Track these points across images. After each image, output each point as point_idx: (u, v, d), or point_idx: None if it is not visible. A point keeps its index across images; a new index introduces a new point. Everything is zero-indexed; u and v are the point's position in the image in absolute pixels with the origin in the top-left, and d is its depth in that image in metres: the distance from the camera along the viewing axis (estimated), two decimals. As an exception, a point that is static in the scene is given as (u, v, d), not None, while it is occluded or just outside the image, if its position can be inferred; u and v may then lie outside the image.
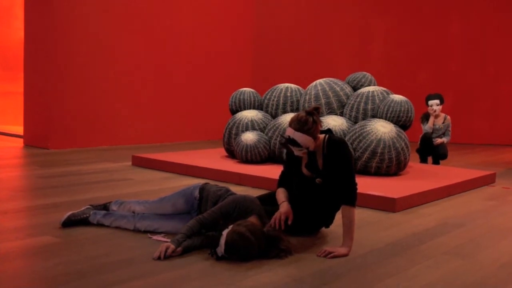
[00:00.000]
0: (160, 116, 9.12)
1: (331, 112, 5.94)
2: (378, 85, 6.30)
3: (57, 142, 7.79)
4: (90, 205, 3.62)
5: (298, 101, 6.34)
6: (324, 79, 6.22)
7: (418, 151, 6.78)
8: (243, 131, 6.15)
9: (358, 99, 5.81)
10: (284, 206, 3.13)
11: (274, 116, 6.41)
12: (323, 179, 3.16)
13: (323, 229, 3.47)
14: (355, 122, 5.75)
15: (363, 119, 5.72)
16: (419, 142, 6.76)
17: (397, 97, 5.66)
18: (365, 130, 5.36)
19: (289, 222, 3.08)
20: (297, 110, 6.30)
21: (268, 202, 3.29)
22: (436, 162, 6.74)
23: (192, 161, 5.95)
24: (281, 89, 6.46)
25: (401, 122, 5.60)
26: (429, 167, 6.29)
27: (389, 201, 4.22)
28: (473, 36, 10.33)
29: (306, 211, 3.26)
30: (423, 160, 6.79)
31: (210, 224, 3.01)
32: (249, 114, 6.32)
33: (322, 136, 3.16)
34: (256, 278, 2.58)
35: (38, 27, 7.96)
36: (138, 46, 8.70)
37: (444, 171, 5.91)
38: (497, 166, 7.03)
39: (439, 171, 5.91)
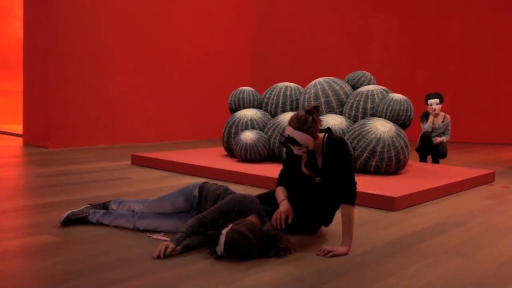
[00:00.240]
0: (159, 115, 9.12)
1: (331, 111, 5.93)
2: (378, 84, 6.30)
3: (56, 141, 7.78)
4: (89, 204, 3.62)
5: (297, 100, 6.34)
6: (323, 78, 6.21)
7: (417, 150, 6.78)
8: (242, 130, 6.15)
9: (357, 98, 5.81)
10: (284, 205, 3.13)
11: (274, 115, 6.41)
12: (322, 178, 3.16)
13: (323, 228, 3.47)
14: (355, 121, 5.75)
15: (363, 118, 5.72)
16: (418, 141, 6.76)
17: (397, 96, 5.66)
18: (364, 129, 5.36)
19: (290, 221, 3.09)
20: (296, 109, 6.30)
21: (268, 201, 3.29)
22: (435, 161, 6.75)
23: (191, 160, 5.95)
24: (281, 88, 6.46)
25: (401, 121, 5.60)
26: (429, 166, 6.29)
27: (388, 200, 4.22)
28: (473, 35, 10.33)
29: (306, 210, 3.26)
30: (423, 159, 6.79)
31: (209, 223, 3.01)
32: (249, 113, 6.32)
33: (321, 135, 3.16)
34: (256, 277, 2.58)
35: (37, 26, 7.95)
36: (137, 45, 8.69)
37: (443, 170, 5.91)
38: (496, 165, 7.04)
39: (439, 170, 5.91)
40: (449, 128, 6.77)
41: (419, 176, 5.39)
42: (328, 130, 3.22)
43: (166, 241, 2.89)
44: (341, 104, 5.96)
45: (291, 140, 3.06)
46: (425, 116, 6.79)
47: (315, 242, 3.22)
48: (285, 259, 2.86)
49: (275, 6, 11.35)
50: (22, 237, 3.16)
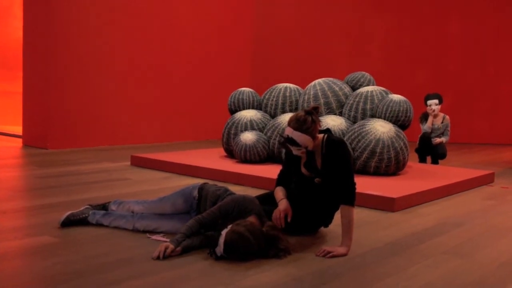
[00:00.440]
0: (159, 116, 9.12)
1: (330, 112, 5.94)
2: (377, 85, 6.30)
3: (56, 142, 7.78)
4: (89, 205, 3.61)
5: (297, 101, 6.34)
6: (323, 79, 6.22)
7: (417, 150, 6.78)
8: (242, 131, 6.15)
9: (357, 99, 5.81)
10: (283, 204, 3.13)
11: (273, 116, 6.41)
12: (322, 179, 3.16)
13: (322, 228, 3.47)
14: (354, 122, 5.75)
15: (362, 119, 5.72)
16: (418, 141, 6.76)
17: (396, 97, 5.67)
18: (364, 129, 5.37)
19: (289, 219, 3.09)
20: (296, 110, 6.30)
21: (267, 202, 3.29)
22: (435, 161, 6.75)
23: (191, 161, 5.95)
24: (280, 89, 6.46)
25: (400, 121, 5.60)
26: (428, 166, 6.30)
27: (388, 200, 4.22)
28: (472, 35, 10.34)
29: (305, 211, 3.26)
30: (422, 159, 6.80)
31: (209, 224, 3.01)
32: (248, 114, 6.32)
33: (321, 136, 3.16)
34: (255, 277, 2.58)
35: (37, 27, 7.95)
36: (137, 45, 8.69)
37: (443, 170, 5.92)
38: (496, 166, 7.04)
39: (438, 170, 5.91)
40: (449, 128, 6.77)
41: (418, 176, 5.39)
42: (327, 131, 3.22)
43: (166, 242, 2.89)
44: (341, 105, 5.97)
45: (290, 141, 3.06)
46: (425, 117, 6.80)
47: (314, 243, 3.22)
48: (285, 259, 2.86)
49: (275, 7, 11.35)
50: (21, 238, 3.16)
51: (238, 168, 5.58)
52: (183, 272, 2.62)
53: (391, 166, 5.32)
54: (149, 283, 2.46)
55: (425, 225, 3.77)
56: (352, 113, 5.78)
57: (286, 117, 5.96)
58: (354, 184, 3.07)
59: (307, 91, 6.15)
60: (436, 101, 6.64)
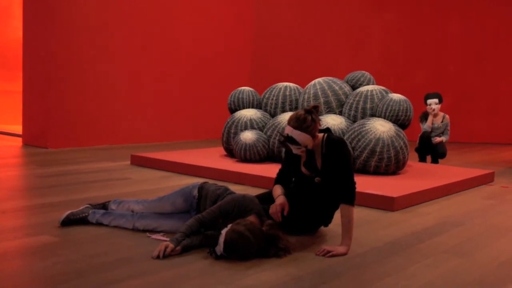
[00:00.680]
0: (159, 115, 9.12)
1: (330, 111, 5.94)
2: (377, 84, 6.30)
3: (56, 141, 7.78)
4: (89, 204, 3.61)
5: (297, 100, 6.34)
6: (323, 78, 6.21)
7: (417, 150, 6.78)
8: (242, 130, 6.15)
9: (357, 98, 5.81)
10: (280, 199, 3.13)
11: (273, 115, 6.41)
12: (322, 178, 3.16)
13: (322, 228, 3.47)
14: (354, 121, 5.75)
15: (362, 118, 5.72)
16: (418, 141, 6.76)
17: (396, 96, 5.67)
18: (364, 129, 5.36)
19: (285, 213, 3.07)
20: (296, 109, 6.29)
21: (267, 201, 3.29)
22: (435, 161, 6.75)
23: (191, 160, 5.95)
24: (280, 88, 6.46)
25: (400, 121, 5.60)
26: (428, 166, 6.30)
27: (388, 200, 4.22)
28: (472, 35, 10.34)
29: (305, 210, 3.26)
30: (422, 159, 6.80)
31: (209, 223, 3.01)
32: (248, 113, 6.32)
33: (321, 135, 3.16)
34: (255, 277, 2.58)
35: (37, 26, 7.95)
36: (137, 45, 8.69)
37: (443, 170, 5.92)
38: (495, 165, 7.04)
39: (438, 170, 5.91)
40: (449, 128, 6.77)
41: (418, 176, 5.40)
42: (327, 130, 3.22)
43: (166, 241, 2.89)
44: (341, 104, 5.97)
45: (290, 139, 3.06)
46: (425, 116, 6.80)
47: (314, 242, 3.22)
48: (285, 259, 2.86)
49: (275, 7, 11.35)
50: (21, 237, 3.16)
51: (238, 167, 5.58)
52: (183, 271, 2.62)
53: (391, 166, 5.32)
54: (149, 283, 2.46)
55: (425, 225, 3.77)
56: (352, 112, 5.78)
57: (286, 116, 5.96)
58: (354, 183, 3.07)
59: (307, 90, 6.15)
60: (436, 100, 6.64)
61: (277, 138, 5.85)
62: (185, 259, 2.80)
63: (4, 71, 11.23)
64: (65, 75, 7.86)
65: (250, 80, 10.61)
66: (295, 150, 3.11)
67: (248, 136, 5.93)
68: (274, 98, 6.42)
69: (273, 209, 3.08)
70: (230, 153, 6.37)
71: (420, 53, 10.60)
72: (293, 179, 3.35)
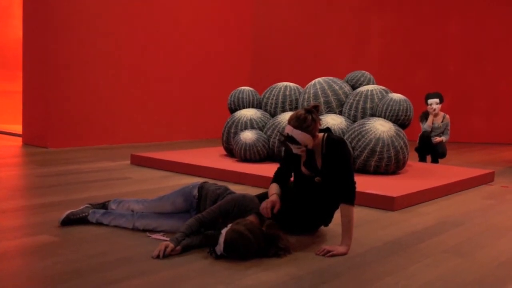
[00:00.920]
0: (159, 114, 9.11)
1: (330, 111, 5.93)
2: (377, 83, 6.30)
3: (55, 141, 7.78)
4: (88, 204, 3.61)
5: (297, 99, 6.34)
6: (323, 77, 6.21)
7: (417, 149, 6.78)
8: (242, 130, 6.15)
9: (357, 98, 5.80)
10: (272, 197, 3.10)
11: (273, 114, 6.41)
12: (322, 178, 3.16)
13: (322, 227, 3.47)
14: (354, 121, 5.75)
15: (362, 117, 5.72)
16: (418, 141, 6.76)
17: (396, 96, 5.66)
18: (364, 128, 5.36)
19: (275, 211, 3.03)
20: (296, 108, 6.29)
21: (267, 201, 3.29)
22: (435, 160, 6.75)
23: (191, 160, 5.95)
24: (280, 88, 6.46)
25: (400, 120, 5.60)
26: (428, 165, 6.29)
27: (388, 199, 4.22)
28: (472, 35, 10.33)
29: (305, 210, 3.26)
30: (422, 158, 6.79)
31: (209, 223, 3.01)
32: (248, 113, 6.32)
33: (321, 135, 3.16)
34: (255, 276, 2.58)
35: (37, 26, 7.94)
36: (137, 44, 8.69)
37: (443, 169, 5.92)
38: (495, 165, 7.04)
39: (438, 169, 5.91)
40: (449, 128, 6.77)
41: (418, 176, 5.39)
42: (327, 130, 3.22)
43: (166, 240, 2.89)
44: (341, 104, 5.96)
45: (290, 139, 3.05)
46: (425, 116, 6.79)
47: (314, 242, 3.22)
48: (285, 258, 2.86)
49: (275, 6, 11.35)
50: (21, 237, 3.16)
51: (238, 167, 5.58)
52: (183, 271, 2.62)
53: (391, 165, 5.32)
54: (149, 282, 2.46)
55: (425, 224, 3.77)
56: (352, 112, 5.78)
57: (286, 116, 5.96)
58: (354, 183, 3.07)
59: (307, 90, 6.15)
60: (437, 100, 6.64)
61: (277, 137, 5.85)
62: (185, 259, 2.80)
63: (4, 71, 11.23)
64: (65, 75, 7.85)
65: (250, 80, 10.61)
66: (295, 149, 3.11)
67: (248, 135, 5.93)
68: (274, 97, 6.42)
69: (264, 204, 3.04)
70: (230, 152, 6.37)
71: (420, 53, 10.60)
72: (293, 178, 3.35)
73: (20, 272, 2.59)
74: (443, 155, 6.67)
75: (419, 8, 10.61)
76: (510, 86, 10.25)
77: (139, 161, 6.28)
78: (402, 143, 5.37)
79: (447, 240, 3.37)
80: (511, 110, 10.26)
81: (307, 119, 3.02)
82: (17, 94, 9.01)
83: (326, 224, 3.41)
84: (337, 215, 3.22)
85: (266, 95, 6.56)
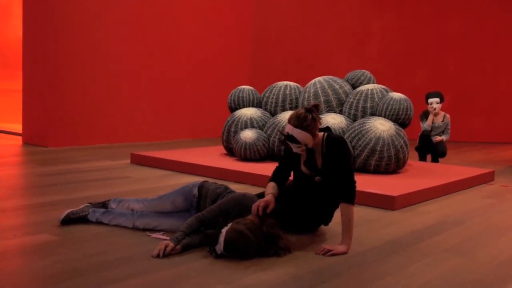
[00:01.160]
0: (159, 114, 9.11)
1: (330, 110, 5.93)
2: (377, 83, 6.30)
3: (55, 140, 7.77)
4: (89, 203, 3.61)
5: (297, 99, 6.34)
6: (323, 77, 6.21)
7: (417, 149, 6.78)
8: (242, 129, 6.15)
9: (357, 97, 5.80)
10: (267, 197, 3.08)
11: (273, 114, 6.41)
12: (322, 177, 3.15)
13: (322, 227, 3.46)
14: (354, 120, 5.75)
15: (362, 117, 5.71)
16: (418, 140, 6.76)
17: (396, 95, 5.66)
18: (364, 128, 5.36)
19: (268, 211, 2.99)
20: (296, 108, 6.29)
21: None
22: (435, 160, 6.75)
23: (191, 159, 5.95)
24: (280, 87, 6.46)
25: (400, 120, 5.60)
26: (428, 165, 6.29)
27: (388, 199, 4.22)
28: (472, 34, 10.32)
29: (305, 209, 3.26)
30: (422, 158, 6.79)
31: (209, 222, 3.01)
32: (248, 112, 6.32)
33: (321, 134, 3.16)
34: (255, 276, 2.57)
35: (36, 25, 7.94)
36: (137, 44, 8.68)
37: (443, 169, 5.91)
38: (496, 164, 7.04)
39: (438, 169, 5.91)
40: (449, 127, 6.77)
41: (418, 175, 5.39)
42: (327, 129, 3.22)
43: (166, 240, 2.89)
44: (341, 103, 5.96)
45: (290, 138, 3.05)
46: (425, 115, 6.79)
47: (314, 241, 3.22)
48: (285, 258, 2.86)
49: (275, 5, 11.34)
50: (21, 236, 3.16)
51: (238, 166, 5.58)
52: (183, 270, 2.61)
53: (391, 164, 5.32)
54: (149, 282, 2.46)
55: (425, 224, 3.77)
56: (352, 111, 5.78)
57: (286, 115, 5.96)
58: (354, 182, 3.07)
59: (307, 89, 6.15)
60: (437, 99, 6.63)
61: (277, 136, 5.84)
62: (185, 258, 2.79)
63: (4, 70, 11.23)
64: (65, 74, 7.85)
65: (250, 79, 10.60)
66: (295, 148, 3.11)
67: (248, 135, 5.93)
68: (274, 97, 6.42)
69: (257, 203, 3.01)
70: (230, 152, 6.37)
71: (420, 52, 10.59)
72: (292, 178, 3.35)
73: (20, 271, 2.59)
74: (443, 154, 6.67)
75: (419, 8, 10.60)
76: (510, 86, 10.24)
77: (139, 160, 6.28)
78: (402, 142, 5.37)
79: (447, 239, 3.37)
80: (511, 109, 10.25)
81: (307, 118, 3.02)
82: (17, 93, 9.01)
83: (326, 223, 3.41)
84: (337, 214, 3.22)
85: (266, 94, 6.55)
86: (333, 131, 4.01)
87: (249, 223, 2.84)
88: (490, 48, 10.27)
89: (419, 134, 6.75)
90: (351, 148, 5.29)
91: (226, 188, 3.30)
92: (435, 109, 6.64)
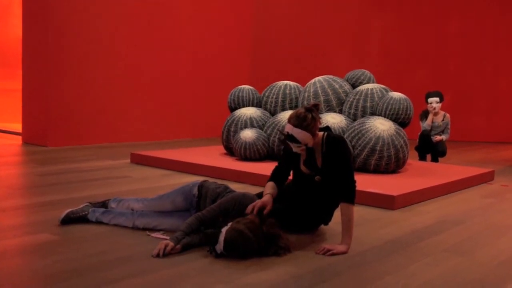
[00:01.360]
0: (159, 113, 9.11)
1: (330, 109, 5.93)
2: (377, 82, 6.29)
3: (55, 139, 7.77)
4: (88, 202, 3.61)
5: (297, 98, 6.34)
6: (323, 76, 6.21)
7: (417, 148, 6.78)
8: (242, 129, 6.14)
9: (357, 97, 5.80)
10: (265, 197, 3.08)
11: (273, 113, 6.40)
12: (322, 177, 3.15)
13: (322, 226, 3.46)
14: (354, 120, 5.75)
15: (362, 116, 5.71)
16: (418, 139, 6.76)
17: (396, 95, 5.66)
18: (364, 127, 5.36)
19: (265, 212, 2.99)
20: (296, 107, 6.29)
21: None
22: (435, 159, 6.75)
23: (191, 158, 5.94)
24: (280, 87, 6.45)
25: (400, 119, 5.60)
26: (428, 164, 6.29)
27: (388, 198, 4.22)
28: (472, 34, 10.32)
29: (305, 209, 3.26)
30: (422, 157, 6.79)
31: (209, 222, 3.00)
32: (248, 112, 6.32)
33: (321, 133, 3.15)
34: (255, 275, 2.57)
35: (36, 25, 7.93)
36: (137, 43, 8.68)
37: (443, 168, 5.91)
38: (495, 164, 7.04)
39: (438, 168, 5.91)
40: (449, 126, 6.76)
41: (418, 174, 5.39)
42: (327, 128, 3.22)
43: (166, 239, 2.89)
44: (341, 102, 5.96)
45: (290, 138, 3.05)
46: (425, 115, 6.79)
47: (314, 240, 3.22)
48: (285, 257, 2.86)
49: (275, 5, 11.33)
50: (21, 235, 3.15)
51: (238, 165, 5.58)
52: (183, 270, 2.61)
53: (391, 164, 5.32)
54: (149, 281, 2.46)
55: (425, 223, 3.77)
56: (352, 110, 5.78)
57: (286, 115, 5.96)
58: (354, 182, 3.07)
59: (307, 89, 6.15)
60: (437, 99, 6.63)
61: (277, 136, 5.84)
62: (185, 258, 2.79)
63: (3, 69, 11.22)
64: (65, 73, 7.85)
65: (250, 79, 10.60)
66: (295, 148, 3.11)
67: (248, 134, 5.93)
68: (274, 96, 6.42)
69: (254, 203, 3.00)
70: (230, 151, 6.37)
71: (420, 52, 10.59)
72: (292, 177, 3.35)
73: (20, 271, 2.59)
74: (443, 154, 6.67)
75: (419, 8, 10.60)
76: (510, 85, 10.24)
77: (139, 160, 6.28)
78: (402, 141, 5.37)
79: (447, 239, 3.37)
80: (511, 109, 10.25)
81: (307, 117, 3.02)
82: (17, 92, 9.01)
83: (326, 223, 3.41)
84: (337, 213, 3.22)
85: (266, 94, 6.55)
86: (333, 130, 4.01)
87: (249, 223, 2.84)
88: (490, 48, 10.27)
89: (419, 133, 6.75)
90: (351, 147, 5.29)
91: (226, 187, 3.30)
92: (434, 108, 6.64)
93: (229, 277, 2.54)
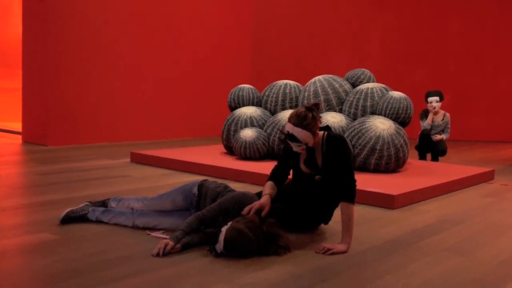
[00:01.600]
0: (159, 112, 9.10)
1: (330, 108, 5.93)
2: (377, 81, 6.29)
3: (55, 139, 7.77)
4: (88, 201, 3.61)
5: (297, 97, 6.34)
6: (323, 75, 6.21)
7: (417, 147, 6.78)
8: (242, 128, 6.14)
9: (357, 96, 5.80)
10: (264, 198, 3.07)
11: (273, 112, 6.40)
12: (322, 176, 3.15)
13: (322, 226, 3.46)
14: (354, 119, 5.75)
15: (362, 115, 5.71)
16: (418, 139, 6.76)
17: (396, 94, 5.66)
18: (364, 126, 5.36)
19: (263, 214, 2.99)
20: (296, 106, 6.29)
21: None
22: (435, 159, 6.75)
23: (191, 157, 5.94)
24: (280, 86, 6.45)
25: (400, 118, 5.60)
26: (428, 164, 6.29)
27: (388, 198, 4.22)
28: (472, 33, 10.32)
29: (305, 208, 3.26)
30: (422, 157, 6.79)
31: (209, 221, 3.00)
32: (248, 111, 6.32)
33: (321, 133, 3.15)
34: (255, 275, 2.57)
35: (36, 24, 7.93)
36: (137, 42, 8.68)
37: (443, 168, 5.91)
38: (495, 163, 7.03)
39: (438, 168, 5.91)
40: (449, 126, 6.76)
41: (418, 174, 5.39)
42: (327, 128, 3.21)
43: (166, 239, 2.89)
44: (341, 102, 5.96)
45: (290, 137, 3.05)
46: (425, 114, 6.79)
47: (314, 240, 3.22)
48: (284, 257, 2.86)
49: (274, 5, 11.33)
50: (21, 235, 3.15)
51: (238, 165, 5.58)
52: (183, 269, 2.61)
53: (391, 163, 5.32)
54: (148, 281, 2.46)
55: (425, 223, 3.77)
56: (352, 110, 5.78)
57: (286, 114, 5.95)
58: (354, 181, 3.07)
59: (307, 88, 6.14)
60: (437, 98, 6.63)
61: (277, 135, 5.84)
62: (185, 257, 2.79)
63: (3, 69, 11.22)
64: (64, 73, 7.84)
65: (250, 78, 10.59)
66: (295, 147, 3.10)
67: (248, 133, 5.93)
68: (274, 95, 6.42)
69: (251, 205, 3.00)
70: (230, 150, 6.37)
71: (420, 51, 10.59)
72: (291, 177, 3.34)
73: (20, 271, 2.59)
74: (443, 153, 6.67)
75: (419, 8, 10.60)
76: (510, 85, 10.24)
77: (139, 159, 6.27)
78: (402, 141, 5.37)
79: (447, 238, 3.37)
80: (510, 108, 10.25)
81: (307, 117, 3.02)
82: (16, 91, 9.00)
83: (326, 222, 3.41)
84: (337, 213, 3.22)
85: (266, 93, 6.55)
86: (333, 130, 4.01)
87: (249, 222, 2.83)
88: (490, 48, 10.27)
89: (419, 133, 6.75)
90: (351, 147, 5.29)
91: (226, 187, 3.30)
92: (434, 107, 6.64)
93: (229, 276, 2.54)
